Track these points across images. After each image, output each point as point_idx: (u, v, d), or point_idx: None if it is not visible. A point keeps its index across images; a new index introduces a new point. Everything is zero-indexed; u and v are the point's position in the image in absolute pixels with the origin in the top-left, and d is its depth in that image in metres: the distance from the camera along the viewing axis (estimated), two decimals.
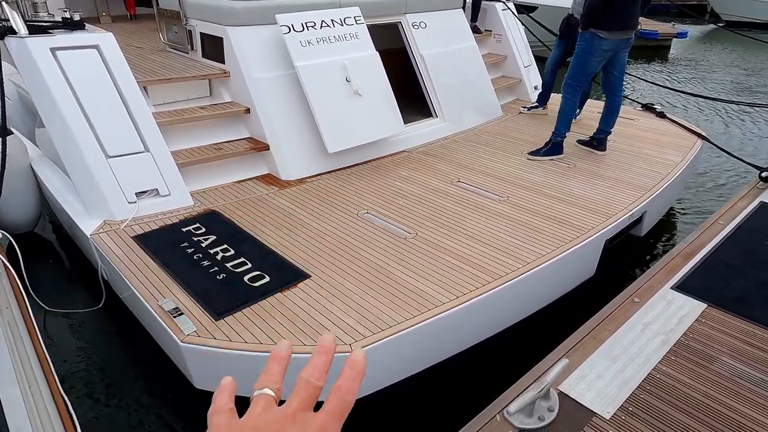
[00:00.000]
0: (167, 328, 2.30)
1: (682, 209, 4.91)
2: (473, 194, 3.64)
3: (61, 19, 3.43)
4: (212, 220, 3.24)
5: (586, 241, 3.07)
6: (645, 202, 3.56)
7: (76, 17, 3.39)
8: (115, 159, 3.27)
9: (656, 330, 2.52)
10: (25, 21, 3.31)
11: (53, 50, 3.18)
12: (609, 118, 4.31)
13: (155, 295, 2.52)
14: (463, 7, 6.08)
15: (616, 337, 2.48)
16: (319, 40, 3.92)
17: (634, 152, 4.46)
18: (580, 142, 4.56)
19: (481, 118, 5.25)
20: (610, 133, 4.38)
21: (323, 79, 3.86)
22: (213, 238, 3.03)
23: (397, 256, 2.85)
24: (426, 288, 2.57)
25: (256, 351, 2.17)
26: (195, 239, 3.01)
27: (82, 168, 3.23)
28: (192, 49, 4.35)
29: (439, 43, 5.01)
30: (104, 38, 3.34)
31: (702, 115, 7.75)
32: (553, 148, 4.25)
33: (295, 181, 3.86)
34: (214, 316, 2.35)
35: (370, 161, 4.23)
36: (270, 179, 3.87)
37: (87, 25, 3.51)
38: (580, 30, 3.98)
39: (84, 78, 3.24)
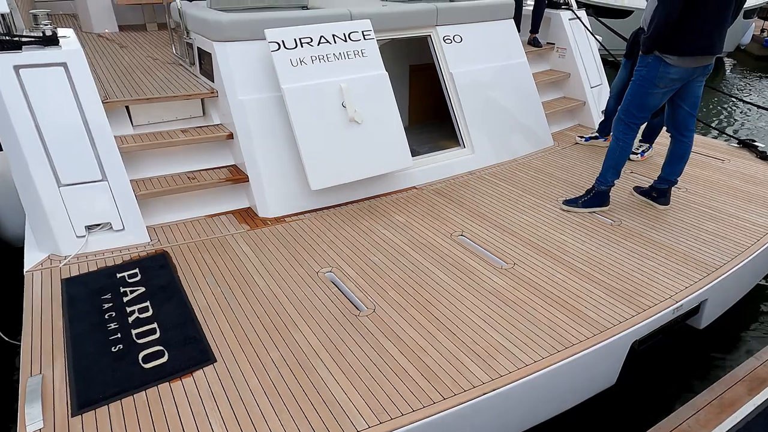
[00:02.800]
0: (18, 415, 1.89)
1: None
2: (472, 256, 2.91)
3: (41, 34, 3.21)
4: (155, 265, 2.83)
5: (603, 343, 2.25)
6: (705, 287, 2.62)
7: (48, 32, 3.15)
8: (68, 188, 2.98)
9: None
10: (4, 35, 3.13)
11: (17, 68, 2.94)
12: (674, 164, 3.34)
13: (35, 364, 2.14)
14: (519, 17, 5.29)
15: None
16: (315, 58, 3.39)
17: (710, 209, 3.43)
18: (637, 190, 3.61)
19: (522, 149, 4.43)
20: (674, 183, 3.40)
21: (313, 104, 3.33)
22: (141, 290, 2.61)
23: (332, 346, 2.23)
24: (348, 402, 1.94)
25: None
26: (122, 290, 2.61)
27: (33, 195, 2.97)
28: (192, 64, 4.03)
29: (476, 60, 4.27)
30: (73, 55, 3.07)
31: None
32: (596, 197, 3.37)
33: (272, 219, 3.37)
34: (75, 408, 1.91)
35: (367, 199, 3.63)
36: (245, 216, 3.42)
37: (62, 40, 3.27)
38: (641, 52, 3.08)
39: (46, 98, 2.97)
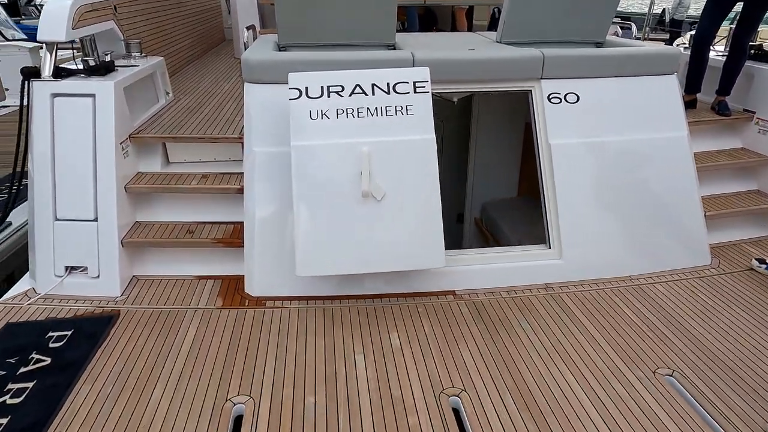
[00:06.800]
0: None
1: None
2: None
3: (97, 63, 3.20)
4: (89, 331, 2.48)
5: None
6: None
7: (91, 62, 3.10)
8: (62, 222, 2.85)
9: None
10: (84, 61, 3.19)
11: (54, 95, 2.92)
12: None
13: None
14: (701, 70, 3.81)
15: None
16: (342, 111, 2.69)
17: None
18: None
19: (644, 265, 3.02)
20: None
21: (323, 167, 2.63)
22: (45, 363, 2.26)
23: None
24: None
25: None
26: (30, 357, 2.29)
27: (32, 224, 2.92)
28: None
29: (595, 129, 3.05)
30: (103, 87, 2.94)
31: None
32: None
33: (257, 298, 2.78)
34: None
35: (381, 296, 2.77)
36: (231, 287, 2.89)
37: (120, 69, 3.20)
38: None
39: (68, 128, 2.89)
